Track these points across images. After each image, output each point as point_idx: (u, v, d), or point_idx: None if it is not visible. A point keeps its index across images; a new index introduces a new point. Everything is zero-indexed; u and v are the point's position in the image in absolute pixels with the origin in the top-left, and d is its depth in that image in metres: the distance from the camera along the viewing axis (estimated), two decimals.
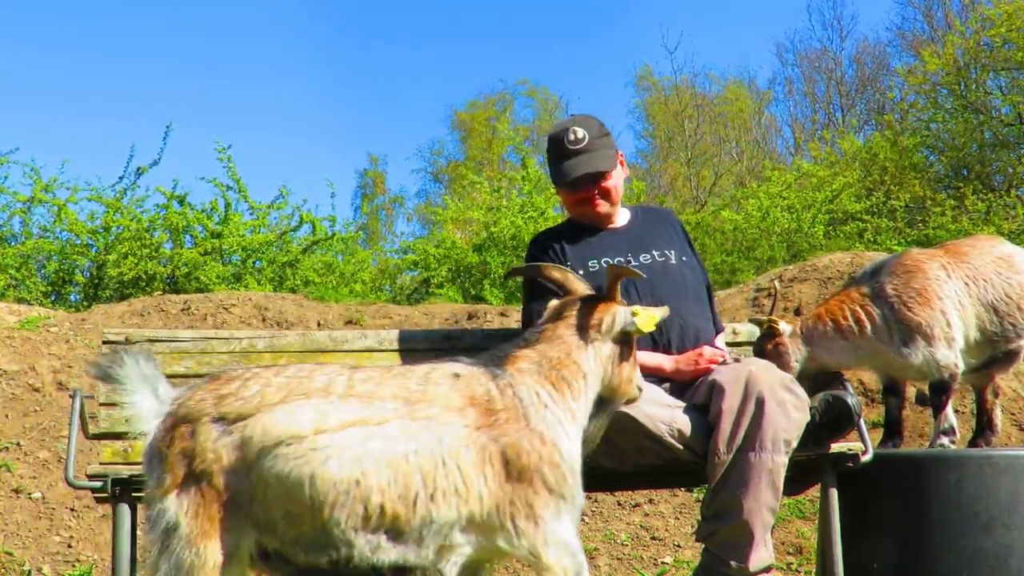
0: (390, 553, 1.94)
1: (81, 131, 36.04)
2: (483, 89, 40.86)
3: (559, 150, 2.94)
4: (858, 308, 3.30)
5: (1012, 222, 11.69)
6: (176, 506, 1.90)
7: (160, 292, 8.41)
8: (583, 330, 2.22)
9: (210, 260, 9.03)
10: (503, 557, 2.08)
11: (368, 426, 1.93)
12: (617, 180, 2.98)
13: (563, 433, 2.09)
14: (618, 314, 2.25)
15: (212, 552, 1.89)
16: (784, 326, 3.31)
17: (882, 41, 25.60)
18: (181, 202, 9.38)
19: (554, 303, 2.33)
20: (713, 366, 2.76)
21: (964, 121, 14.26)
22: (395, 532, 1.94)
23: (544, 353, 2.18)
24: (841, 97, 23.64)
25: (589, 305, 2.26)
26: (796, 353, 3.30)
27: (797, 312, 3.45)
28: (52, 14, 35.46)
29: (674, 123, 23.15)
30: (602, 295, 2.30)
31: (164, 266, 8.90)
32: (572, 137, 2.91)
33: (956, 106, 14.46)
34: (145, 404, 1.99)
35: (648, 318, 2.26)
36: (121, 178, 9.75)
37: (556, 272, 2.39)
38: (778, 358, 3.24)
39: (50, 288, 9.21)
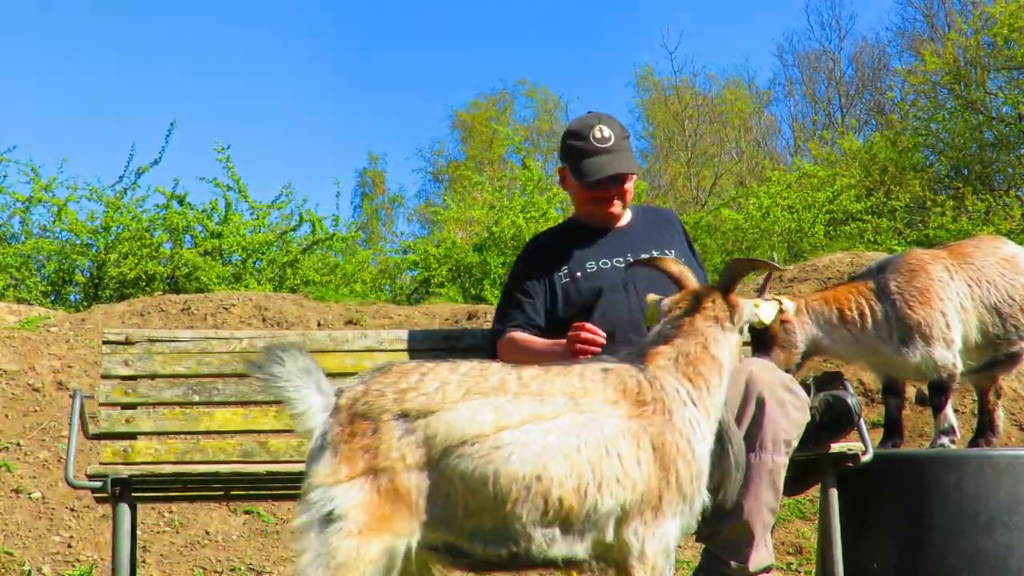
0: (561, 546, 1.97)
1: (79, 131, 36.07)
2: (483, 89, 40.86)
3: (584, 146, 2.89)
4: (863, 301, 3.30)
5: (1011, 222, 11.68)
6: (346, 497, 1.86)
7: (160, 292, 8.41)
8: (719, 322, 2.24)
9: (210, 260, 9.02)
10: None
11: (544, 421, 1.96)
12: (632, 184, 2.98)
13: (699, 434, 2.12)
14: (746, 307, 2.29)
15: (372, 548, 1.86)
16: (788, 304, 3.28)
17: (881, 41, 25.58)
18: (181, 202, 9.37)
19: (679, 296, 2.31)
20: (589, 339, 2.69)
21: (964, 121, 14.25)
22: (567, 524, 1.97)
23: (680, 348, 2.19)
24: (841, 97, 23.64)
25: (719, 297, 2.27)
26: (802, 333, 3.28)
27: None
28: (51, 13, 35.48)
29: (674, 123, 23.15)
30: (720, 288, 2.30)
31: (164, 266, 8.90)
32: (599, 135, 2.88)
33: (956, 106, 14.45)
34: (312, 400, 1.95)
35: (769, 309, 2.31)
36: (121, 177, 9.75)
37: (674, 265, 2.42)
38: (785, 336, 3.23)
39: (50, 288, 9.20)
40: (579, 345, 2.68)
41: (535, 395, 1.99)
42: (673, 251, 2.98)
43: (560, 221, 3.54)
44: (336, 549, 1.83)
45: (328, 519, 1.85)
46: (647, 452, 2.02)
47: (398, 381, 1.97)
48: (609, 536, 2.01)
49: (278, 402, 3.02)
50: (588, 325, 2.71)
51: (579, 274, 2.89)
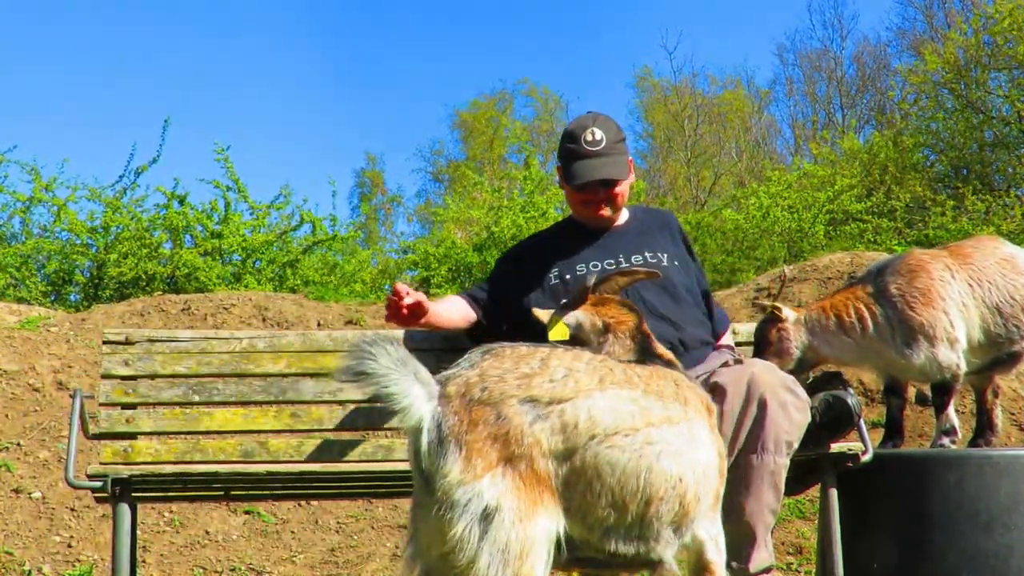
0: (668, 548, 2.00)
1: (80, 132, 36.07)
2: (483, 89, 40.91)
3: (575, 149, 2.89)
4: (862, 306, 3.30)
5: (1011, 222, 11.67)
6: (492, 489, 1.77)
7: (160, 292, 8.40)
8: None
9: (210, 261, 9.02)
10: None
11: (673, 425, 1.98)
12: (625, 188, 2.96)
13: None
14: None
15: (538, 531, 1.81)
16: (788, 312, 3.32)
17: (883, 41, 25.60)
18: (181, 202, 9.37)
19: (610, 310, 2.39)
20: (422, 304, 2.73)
21: (964, 120, 14.25)
22: (677, 526, 2.00)
23: (666, 354, 2.30)
24: (841, 97, 23.64)
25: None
26: (797, 340, 3.31)
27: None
28: (52, 15, 35.47)
29: (674, 123, 23.15)
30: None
31: (164, 266, 8.89)
32: (590, 138, 2.87)
33: (957, 105, 14.45)
34: (415, 391, 1.81)
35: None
36: (121, 177, 9.75)
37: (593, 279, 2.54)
38: (779, 343, 3.26)
39: (50, 288, 9.20)
40: (388, 308, 2.74)
41: (656, 395, 1.99)
42: (666, 254, 2.97)
43: (524, 239, 3.53)
44: (509, 542, 1.76)
45: (485, 516, 1.77)
46: (718, 458, 2.10)
47: (517, 366, 1.89)
48: (688, 538, 2.05)
49: (278, 402, 3.05)
50: (398, 286, 2.73)
51: (568, 276, 2.88)
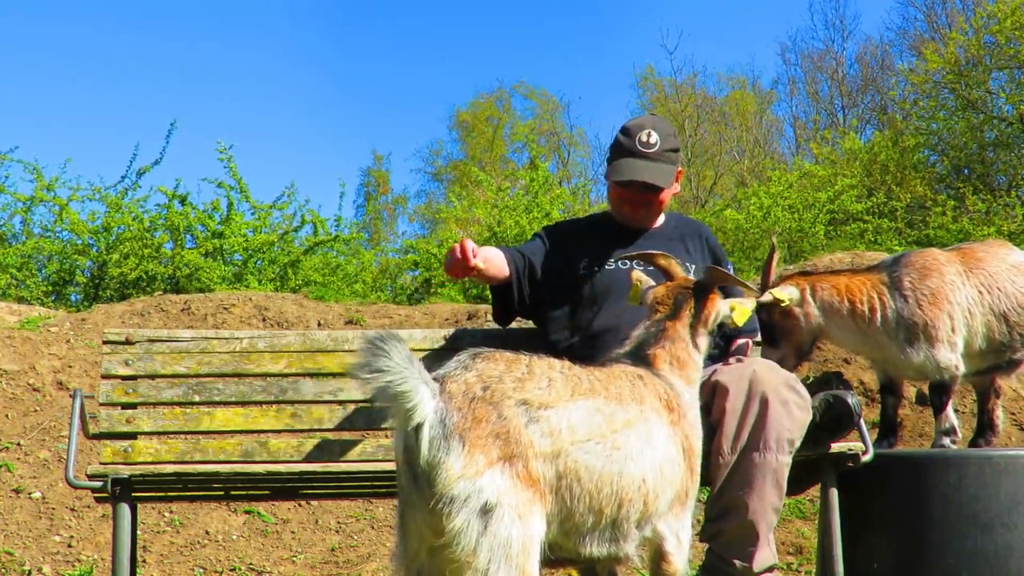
0: (632, 544, 2.08)
1: (82, 132, 36.09)
2: (482, 89, 40.84)
3: (628, 145, 2.92)
4: (875, 296, 3.26)
5: (1012, 222, 11.66)
6: (494, 485, 1.82)
7: (161, 292, 8.39)
8: (695, 327, 2.37)
9: (211, 262, 9.01)
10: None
11: (633, 427, 2.05)
12: (666, 196, 2.98)
13: (700, 432, 2.28)
14: (721, 309, 2.43)
15: (535, 527, 1.86)
16: (791, 291, 3.26)
17: (884, 41, 25.55)
18: (183, 202, 9.35)
19: (662, 293, 2.42)
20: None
21: (965, 120, 14.23)
22: (640, 523, 2.08)
23: (671, 352, 2.31)
24: (843, 97, 23.62)
25: (699, 300, 2.39)
26: (805, 322, 3.27)
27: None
28: (54, 16, 35.49)
29: (675, 123, 23.13)
30: (697, 291, 2.42)
31: (165, 266, 8.88)
32: (644, 139, 2.90)
33: (958, 105, 14.43)
34: (423, 390, 1.83)
35: (742, 312, 2.45)
36: (123, 178, 9.73)
37: (662, 260, 2.54)
38: (784, 320, 3.23)
39: (51, 288, 9.18)
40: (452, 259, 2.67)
41: (616, 399, 2.06)
42: (694, 265, 2.97)
43: (562, 221, 3.54)
44: (509, 538, 1.81)
45: (485, 511, 1.80)
46: (680, 454, 2.16)
47: (510, 369, 1.96)
48: (648, 531, 2.13)
49: (278, 402, 3.05)
50: (465, 242, 2.67)
51: (596, 268, 2.91)
